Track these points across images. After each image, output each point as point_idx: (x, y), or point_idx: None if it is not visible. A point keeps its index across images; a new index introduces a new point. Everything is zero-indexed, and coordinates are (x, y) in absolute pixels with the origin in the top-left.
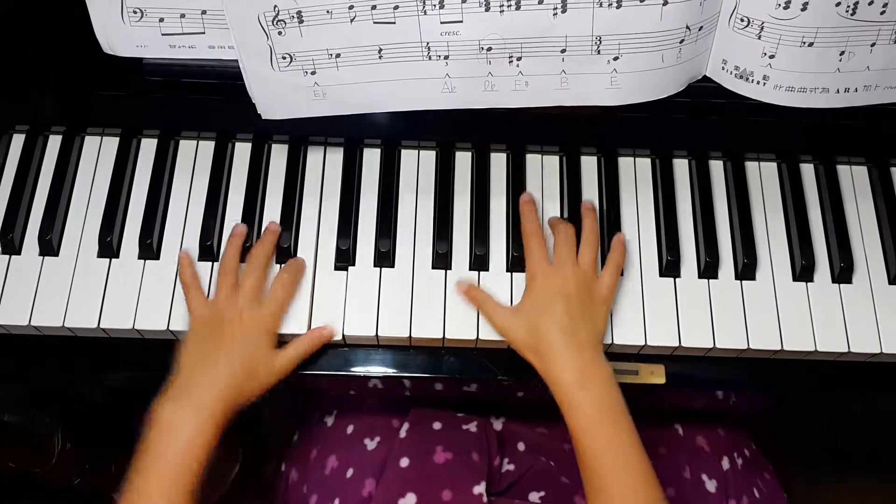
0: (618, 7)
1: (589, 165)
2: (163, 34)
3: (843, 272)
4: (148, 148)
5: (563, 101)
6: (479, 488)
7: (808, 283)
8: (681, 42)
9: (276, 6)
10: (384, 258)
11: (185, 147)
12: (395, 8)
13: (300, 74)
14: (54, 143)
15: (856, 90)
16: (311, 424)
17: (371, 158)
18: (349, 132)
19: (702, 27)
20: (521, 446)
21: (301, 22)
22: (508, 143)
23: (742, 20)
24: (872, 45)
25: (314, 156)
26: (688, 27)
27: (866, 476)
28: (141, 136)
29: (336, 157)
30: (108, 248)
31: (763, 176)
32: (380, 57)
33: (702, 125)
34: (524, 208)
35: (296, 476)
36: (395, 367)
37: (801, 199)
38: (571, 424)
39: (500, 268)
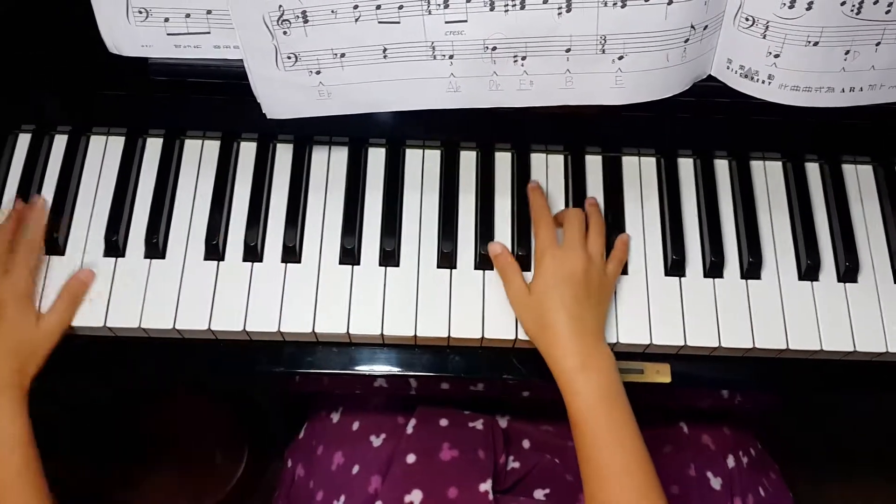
0: (622, 6)
1: (594, 164)
2: (168, 34)
3: (848, 271)
4: (153, 147)
5: (568, 100)
6: (485, 486)
7: (814, 283)
8: (686, 41)
9: (280, 6)
10: (389, 257)
11: (191, 146)
12: (400, 7)
13: (305, 74)
14: (60, 142)
15: (861, 89)
16: (317, 420)
17: (376, 158)
18: (354, 132)
19: (707, 26)
20: (526, 444)
21: (306, 22)
22: (513, 143)
23: (747, 19)
24: (878, 44)
25: (319, 155)
26: (693, 26)
27: (872, 475)
28: (146, 135)
29: (341, 156)
30: (114, 247)
31: (768, 175)
32: (384, 56)
33: (706, 124)
34: (532, 194)
35: (302, 472)
36: (400, 365)
37: (807, 198)
38: (570, 408)
39: None
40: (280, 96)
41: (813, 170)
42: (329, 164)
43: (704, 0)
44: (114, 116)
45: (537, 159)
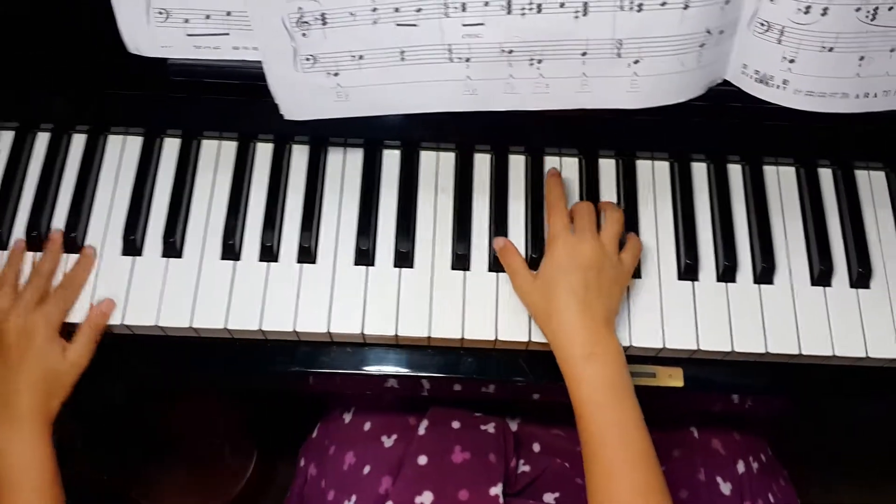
0: (639, 11)
1: (607, 168)
2: (187, 35)
3: (860, 277)
4: (171, 148)
5: (584, 103)
6: (496, 489)
7: (826, 288)
8: (701, 46)
9: (300, 8)
10: (404, 258)
11: (208, 147)
12: (418, 10)
13: (323, 76)
14: (78, 142)
15: (875, 95)
16: (329, 420)
17: (391, 160)
18: (369, 133)
19: (722, 31)
20: (536, 447)
21: (324, 24)
22: (527, 146)
23: (762, 24)
24: (892, 50)
25: (334, 157)
26: (708, 31)
27: (882, 482)
28: (164, 135)
29: (356, 157)
30: (132, 246)
31: (781, 180)
32: (402, 59)
33: (720, 129)
34: (551, 180)
35: (314, 471)
36: (413, 366)
37: (819, 203)
38: (575, 396)
39: None
40: (298, 98)
41: (826, 175)
42: (344, 166)
43: (720, 5)
44: (132, 117)
45: (551, 162)
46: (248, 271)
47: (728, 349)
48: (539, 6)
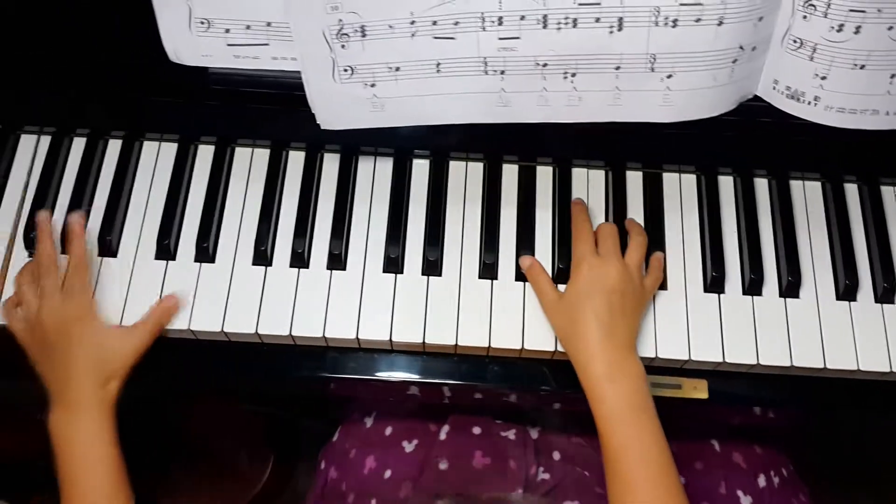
0: (674, 26)
1: (634, 180)
2: (228, 44)
3: (886, 292)
4: (205, 154)
5: (616, 117)
6: (517, 495)
7: (851, 303)
8: (734, 62)
9: (340, 20)
10: (432, 267)
11: (241, 154)
12: (456, 23)
13: (360, 87)
14: (114, 147)
15: None
16: (350, 424)
17: (420, 169)
18: (399, 143)
19: (755, 47)
20: (556, 455)
21: (364, 36)
22: (555, 157)
23: (795, 41)
24: None
25: (365, 165)
26: (741, 47)
27: None
28: (198, 142)
29: (386, 166)
30: (166, 250)
31: (807, 195)
32: (438, 71)
33: (748, 143)
34: (575, 208)
35: (335, 474)
36: (439, 374)
37: (845, 218)
38: (596, 414)
39: None
40: (335, 108)
41: (852, 190)
42: (374, 175)
43: (754, 22)
44: (168, 123)
45: (578, 174)
46: (279, 277)
47: (753, 362)
48: (575, 21)
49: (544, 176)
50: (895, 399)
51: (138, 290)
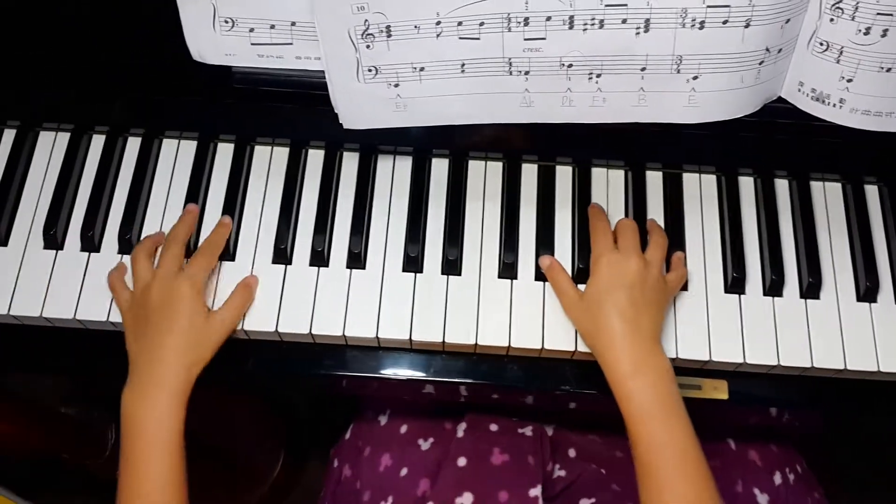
0: (700, 28)
1: (654, 180)
2: (252, 44)
3: None
4: (224, 152)
5: (640, 117)
6: (536, 491)
7: (872, 304)
8: (760, 63)
9: (366, 20)
10: (451, 266)
11: (261, 152)
12: (481, 24)
13: (384, 87)
14: (133, 145)
15: None
16: (363, 422)
17: (439, 168)
18: (418, 142)
19: (781, 49)
20: (571, 453)
21: (389, 36)
22: (574, 157)
23: (821, 44)
24: None
25: (384, 164)
26: (767, 49)
27: None
28: (217, 140)
29: (405, 165)
30: (186, 248)
31: (828, 196)
32: (462, 71)
33: (769, 144)
34: (592, 210)
35: (349, 472)
36: (458, 373)
37: (866, 219)
38: (625, 412)
39: None
40: (358, 107)
41: (872, 192)
42: (393, 174)
43: (781, 24)
44: (187, 121)
45: (598, 174)
46: (299, 276)
47: (774, 363)
48: (601, 22)
49: (564, 176)
50: None
51: None
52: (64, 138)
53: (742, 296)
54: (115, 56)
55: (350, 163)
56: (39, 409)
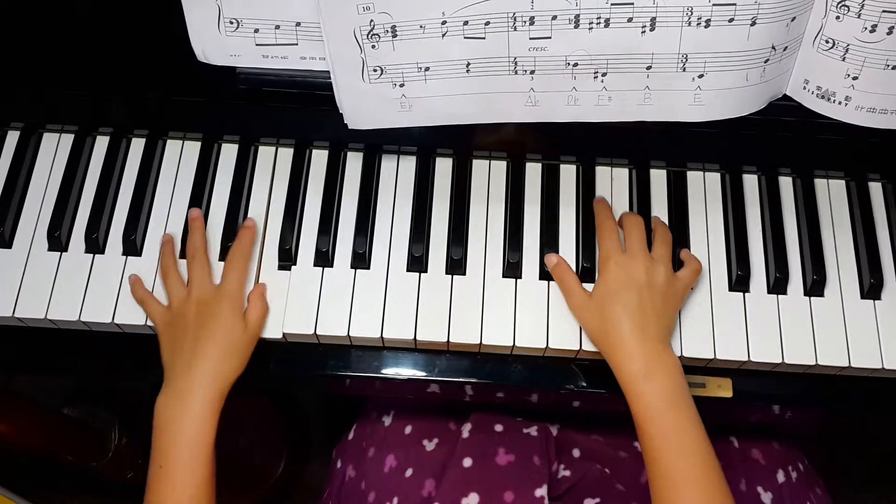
0: (706, 26)
1: (658, 178)
2: (257, 44)
3: None
4: (228, 153)
5: (646, 116)
6: (541, 491)
7: (876, 301)
8: (766, 61)
9: (372, 21)
10: (456, 266)
11: (265, 153)
12: (487, 24)
13: (389, 86)
14: (137, 146)
15: None
16: (367, 423)
17: (443, 168)
18: (422, 141)
19: (786, 47)
20: (576, 453)
21: (394, 36)
22: (578, 156)
23: (827, 42)
24: None
25: (388, 164)
26: (773, 47)
27: None
28: (222, 141)
29: (409, 165)
30: None
31: (832, 193)
32: (467, 71)
33: (773, 142)
34: (598, 206)
35: (353, 473)
36: (463, 372)
37: (870, 217)
38: (635, 411)
39: None
40: (363, 107)
41: (876, 189)
42: (398, 173)
43: (786, 22)
44: (191, 122)
45: (602, 172)
46: (304, 276)
47: (778, 360)
48: (607, 21)
49: (568, 174)
50: None
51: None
52: (68, 140)
53: (746, 294)
54: (120, 57)
55: (354, 163)
56: (43, 410)
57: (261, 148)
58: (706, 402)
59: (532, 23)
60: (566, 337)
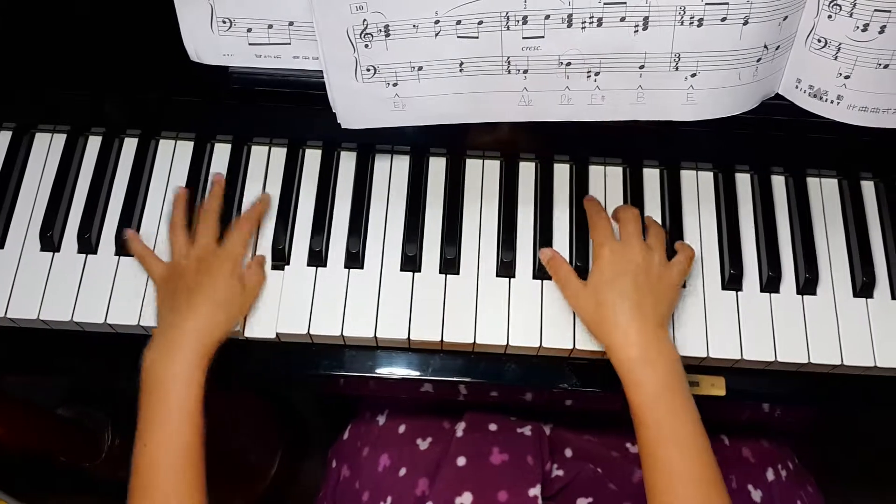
0: (699, 25)
1: (651, 178)
2: (250, 44)
3: None
4: (221, 153)
5: (639, 115)
6: (535, 491)
7: (868, 300)
8: (758, 60)
9: (365, 20)
10: (450, 265)
11: (257, 153)
12: (480, 23)
13: (382, 86)
14: (129, 146)
15: None
16: (361, 422)
17: (437, 167)
18: (415, 141)
19: (779, 46)
20: (568, 452)
21: (387, 36)
22: (572, 155)
23: (819, 41)
24: None
25: (381, 163)
26: (765, 46)
27: None
28: (214, 141)
29: (402, 164)
30: None
31: (824, 192)
32: (460, 70)
33: (765, 140)
34: (588, 202)
35: (347, 472)
36: (457, 372)
37: (862, 215)
38: (632, 401)
39: None
40: (356, 107)
41: (868, 188)
42: (391, 173)
43: (779, 21)
44: (184, 122)
45: (595, 171)
46: (297, 276)
47: (771, 359)
48: (600, 20)
49: (561, 173)
50: None
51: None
52: (60, 140)
53: (739, 292)
54: (112, 57)
55: (347, 162)
56: (36, 410)
57: (254, 147)
58: (699, 401)
59: (525, 22)
60: (560, 336)
